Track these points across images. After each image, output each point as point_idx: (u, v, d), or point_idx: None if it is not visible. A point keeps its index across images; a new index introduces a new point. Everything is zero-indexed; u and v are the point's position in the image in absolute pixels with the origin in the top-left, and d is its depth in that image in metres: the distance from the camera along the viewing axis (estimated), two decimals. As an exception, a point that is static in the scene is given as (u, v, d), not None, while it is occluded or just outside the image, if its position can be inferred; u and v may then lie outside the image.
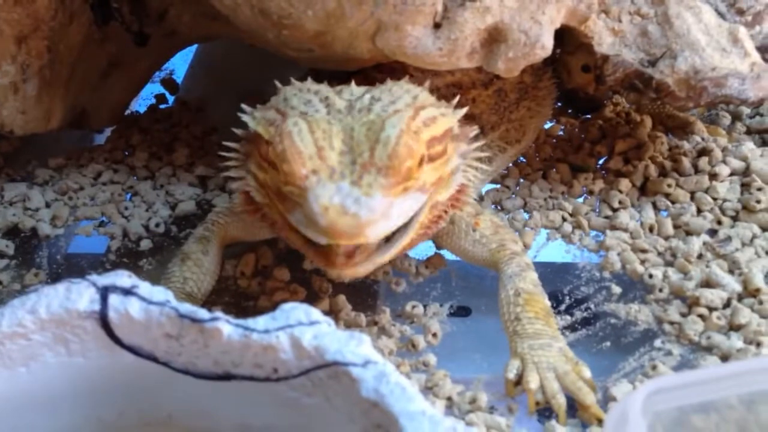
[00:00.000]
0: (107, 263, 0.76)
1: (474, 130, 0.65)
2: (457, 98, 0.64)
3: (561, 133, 0.89)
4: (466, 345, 0.67)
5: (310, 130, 0.56)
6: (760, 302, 0.66)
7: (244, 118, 0.60)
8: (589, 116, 0.90)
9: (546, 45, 0.67)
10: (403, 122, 0.56)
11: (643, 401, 0.47)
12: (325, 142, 0.55)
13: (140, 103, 0.98)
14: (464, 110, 0.63)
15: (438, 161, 0.59)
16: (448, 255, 0.74)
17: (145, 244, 0.78)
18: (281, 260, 0.74)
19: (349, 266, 0.56)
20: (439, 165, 0.59)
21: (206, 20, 0.82)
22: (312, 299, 0.70)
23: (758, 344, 0.63)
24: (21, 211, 0.81)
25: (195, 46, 1.03)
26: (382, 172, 0.54)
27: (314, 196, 0.53)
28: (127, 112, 0.94)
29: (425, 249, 0.75)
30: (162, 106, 0.98)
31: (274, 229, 0.62)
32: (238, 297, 0.72)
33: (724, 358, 0.63)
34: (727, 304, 0.67)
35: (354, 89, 0.61)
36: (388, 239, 0.57)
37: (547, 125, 0.88)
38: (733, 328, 0.65)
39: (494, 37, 0.67)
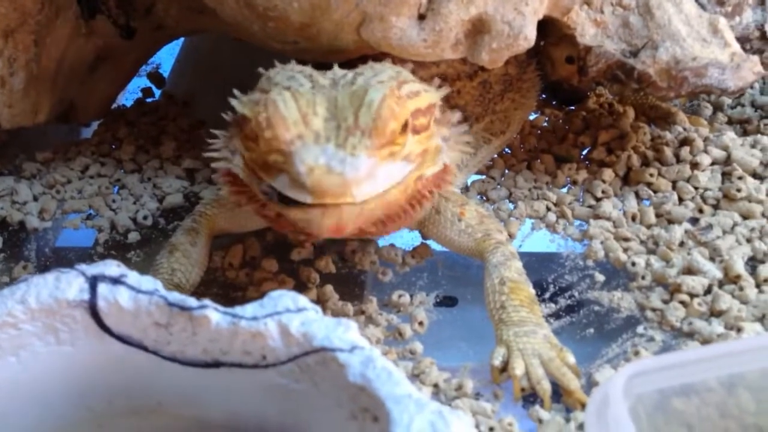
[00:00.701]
0: (95, 256, 0.76)
1: (457, 114, 0.65)
2: (438, 81, 0.64)
3: (545, 124, 0.89)
4: (452, 333, 0.68)
5: (294, 99, 0.56)
6: (741, 288, 0.67)
7: (233, 102, 0.60)
8: (572, 107, 0.91)
9: (529, 36, 0.68)
10: (386, 88, 0.57)
11: (624, 384, 0.48)
12: (309, 108, 0.56)
13: (127, 97, 0.98)
14: (446, 90, 0.64)
15: (423, 134, 0.60)
16: (434, 245, 0.75)
17: (133, 237, 0.78)
18: (269, 251, 0.75)
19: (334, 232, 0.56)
20: (423, 138, 0.60)
21: (193, 14, 0.82)
22: (299, 289, 0.70)
23: (738, 329, 0.64)
24: (9, 205, 0.81)
25: (181, 40, 1.04)
26: (367, 133, 0.55)
27: (299, 158, 0.53)
28: (114, 105, 0.94)
29: (411, 239, 0.76)
30: (149, 100, 0.98)
31: (258, 211, 0.62)
32: (226, 288, 0.73)
33: (706, 343, 0.64)
34: (708, 291, 0.68)
35: (337, 70, 0.61)
36: None
37: (532, 116, 0.89)
38: (714, 314, 0.66)
39: (478, 28, 0.68)
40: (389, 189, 0.57)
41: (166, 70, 1.03)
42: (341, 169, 0.53)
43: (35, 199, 0.83)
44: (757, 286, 0.68)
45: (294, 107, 0.56)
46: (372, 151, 0.55)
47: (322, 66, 0.63)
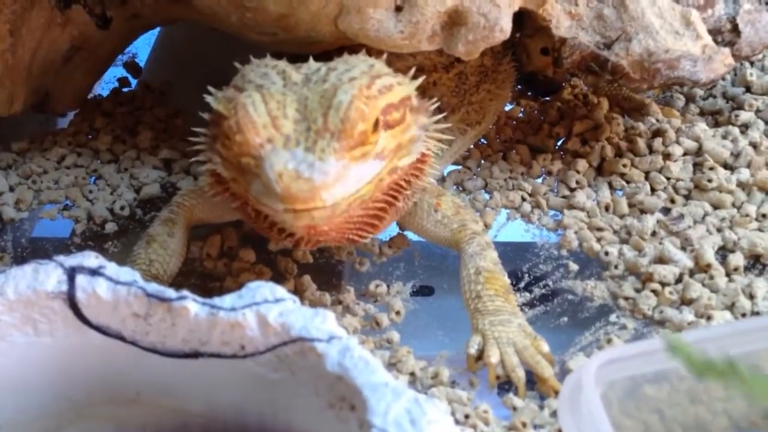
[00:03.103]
0: (72, 246, 0.76)
1: (433, 102, 0.66)
2: (413, 71, 0.64)
3: (521, 115, 0.90)
4: (428, 322, 0.69)
5: (263, 101, 0.56)
6: (711, 277, 0.69)
7: (208, 99, 0.60)
8: (548, 98, 0.92)
9: (505, 28, 0.68)
10: (355, 88, 0.57)
11: (596, 371, 0.49)
12: (279, 111, 0.56)
13: (103, 87, 0.98)
14: (420, 80, 0.64)
15: (397, 128, 0.60)
16: (411, 235, 0.75)
17: (110, 227, 0.78)
18: (247, 241, 0.75)
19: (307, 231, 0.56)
20: (397, 132, 0.60)
21: (169, 3, 0.82)
22: (277, 280, 0.71)
23: (708, 317, 0.65)
24: (-16, 195, 0.81)
25: (158, 30, 1.03)
26: (335, 136, 0.55)
27: (269, 164, 0.54)
28: (90, 95, 0.94)
29: (389, 230, 0.76)
30: (125, 90, 0.97)
31: (243, 209, 0.63)
32: (204, 278, 0.73)
33: (677, 331, 0.65)
34: (679, 280, 0.69)
35: (312, 64, 0.61)
36: None
37: (507, 107, 0.90)
38: (685, 302, 0.68)
39: (454, 20, 0.68)
40: (363, 188, 0.57)
41: (142, 60, 1.03)
42: (309, 175, 0.53)
43: (11, 189, 0.82)
44: (727, 275, 0.70)
45: (263, 111, 0.56)
46: (341, 154, 0.55)
47: (299, 58, 0.63)
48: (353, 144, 0.56)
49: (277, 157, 0.54)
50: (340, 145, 0.55)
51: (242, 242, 0.75)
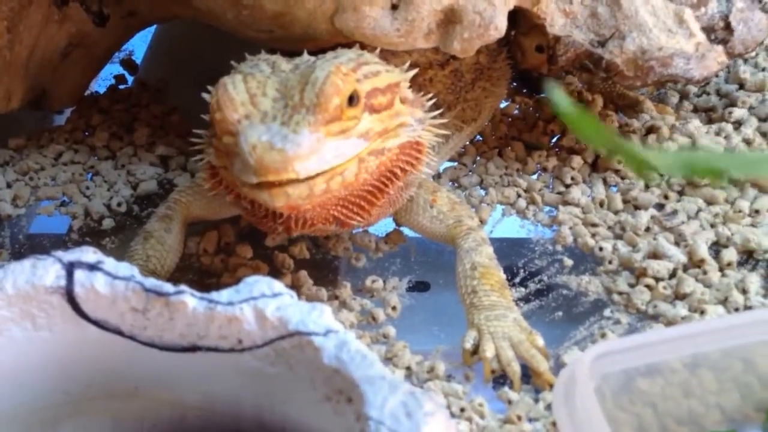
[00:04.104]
0: (69, 242, 0.77)
1: (430, 98, 0.66)
2: (407, 64, 0.65)
3: (516, 112, 0.91)
4: (424, 317, 0.70)
5: (244, 81, 0.58)
6: (704, 272, 0.69)
7: (205, 95, 0.61)
8: (543, 96, 0.92)
9: (500, 26, 0.69)
10: (332, 65, 0.58)
11: (590, 365, 0.50)
12: (259, 90, 0.57)
13: (100, 84, 0.98)
14: (414, 72, 0.65)
15: (384, 113, 0.61)
16: (407, 231, 0.76)
17: (108, 224, 0.79)
18: (243, 237, 0.76)
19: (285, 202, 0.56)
20: (384, 117, 0.61)
21: (165, 1, 0.82)
22: (274, 275, 0.70)
23: (702, 312, 0.66)
24: (-19, 192, 0.81)
25: (154, 27, 1.03)
26: (311, 110, 0.56)
27: (244, 137, 0.55)
28: (87, 92, 0.94)
29: (385, 225, 0.77)
30: (122, 87, 0.98)
31: (237, 201, 0.63)
32: (201, 274, 0.73)
33: (670, 325, 0.66)
34: (672, 275, 0.70)
35: (304, 56, 0.62)
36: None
37: (503, 104, 0.90)
38: (679, 297, 0.68)
39: (450, 18, 0.69)
40: (342, 166, 0.58)
41: (139, 57, 1.03)
42: (282, 146, 0.54)
43: (8, 186, 0.83)
44: (720, 270, 0.70)
45: (243, 89, 0.57)
46: (315, 127, 0.56)
47: (295, 55, 0.64)
48: (329, 118, 0.56)
49: (252, 131, 0.55)
50: (315, 118, 0.56)
51: (239, 238, 0.76)
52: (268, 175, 0.54)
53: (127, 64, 1.01)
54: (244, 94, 0.57)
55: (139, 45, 1.04)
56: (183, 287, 0.48)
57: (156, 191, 0.82)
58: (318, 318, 0.46)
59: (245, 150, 0.54)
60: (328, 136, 0.56)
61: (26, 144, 0.88)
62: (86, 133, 0.89)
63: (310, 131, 0.55)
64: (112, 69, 1.00)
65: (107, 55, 0.91)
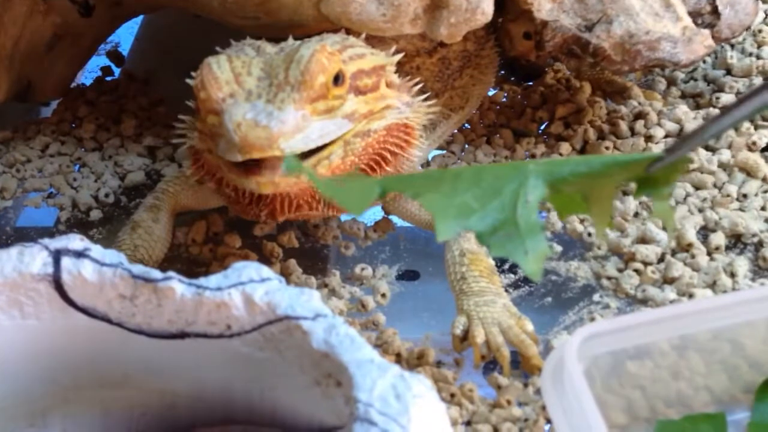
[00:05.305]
0: (57, 234, 0.76)
1: (416, 83, 0.67)
2: (393, 48, 0.65)
3: (504, 99, 0.91)
4: (414, 305, 0.70)
5: (228, 61, 0.58)
6: (692, 256, 0.70)
7: (189, 81, 0.60)
8: (530, 83, 0.92)
9: (486, 11, 0.69)
10: (317, 44, 0.58)
11: (579, 347, 0.50)
12: (243, 69, 0.57)
13: (86, 76, 0.97)
14: (399, 56, 0.66)
15: (369, 95, 0.61)
16: (396, 219, 0.76)
17: (95, 215, 0.78)
18: (232, 227, 0.75)
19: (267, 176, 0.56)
20: (370, 99, 0.61)
21: (151, -10, 0.82)
22: (263, 264, 0.70)
23: (690, 296, 0.66)
24: (-32, 184, 0.81)
25: (140, 18, 1.03)
26: (295, 87, 0.56)
27: (228, 116, 0.55)
28: (73, 84, 0.93)
29: (374, 213, 0.77)
30: (108, 78, 0.97)
31: (220, 188, 0.63)
32: (190, 264, 0.73)
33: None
34: (661, 259, 0.70)
35: (290, 40, 0.63)
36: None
37: (491, 92, 0.90)
38: (667, 281, 0.68)
39: (436, 4, 0.68)
40: (328, 149, 0.58)
41: (125, 49, 1.02)
42: (266, 123, 0.54)
43: (-5, 178, 0.82)
44: (709, 254, 0.70)
45: (227, 68, 0.57)
46: (300, 104, 0.56)
47: (281, 41, 0.63)
48: (314, 96, 0.56)
49: (237, 109, 0.55)
50: (300, 96, 0.56)
51: (227, 228, 0.75)
52: (252, 152, 0.54)
53: (114, 55, 1.01)
54: (229, 73, 0.57)
55: (125, 36, 1.03)
56: (171, 273, 0.48)
57: (144, 182, 0.82)
58: (306, 302, 0.46)
59: (230, 128, 0.54)
60: (314, 114, 0.57)
61: (12, 136, 0.87)
62: (73, 125, 0.89)
63: (295, 108, 0.55)
64: (99, 61, 0.99)
65: (93, 47, 0.90)
